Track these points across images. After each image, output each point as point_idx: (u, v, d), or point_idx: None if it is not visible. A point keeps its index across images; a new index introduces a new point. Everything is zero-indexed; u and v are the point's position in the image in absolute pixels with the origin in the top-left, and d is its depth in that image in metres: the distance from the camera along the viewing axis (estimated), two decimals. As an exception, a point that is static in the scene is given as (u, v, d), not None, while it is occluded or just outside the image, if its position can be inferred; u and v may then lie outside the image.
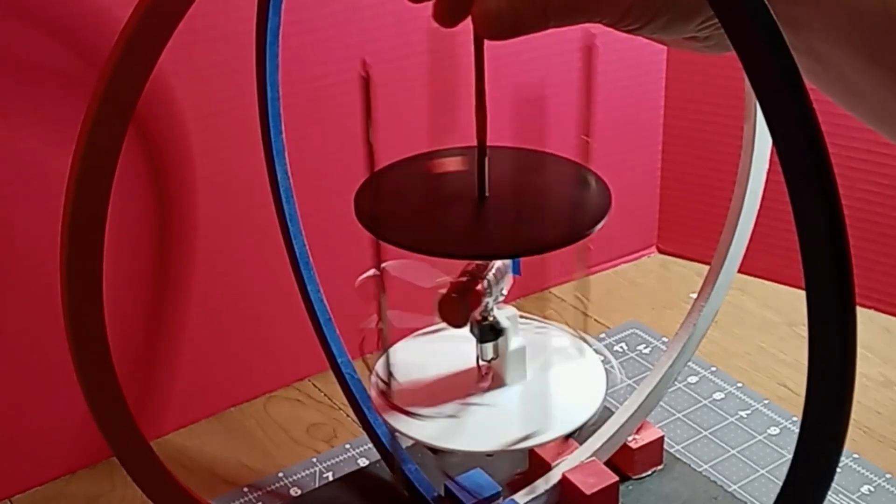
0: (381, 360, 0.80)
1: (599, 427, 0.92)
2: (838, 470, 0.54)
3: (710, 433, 1.01)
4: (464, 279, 0.74)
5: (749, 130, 0.82)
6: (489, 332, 0.78)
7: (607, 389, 0.79)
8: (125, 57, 0.59)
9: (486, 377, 0.80)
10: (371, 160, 0.70)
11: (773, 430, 1.01)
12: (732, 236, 0.86)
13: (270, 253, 0.97)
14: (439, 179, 0.75)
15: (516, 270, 0.78)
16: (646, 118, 1.26)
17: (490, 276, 0.75)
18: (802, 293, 0.51)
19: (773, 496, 0.58)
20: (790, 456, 0.57)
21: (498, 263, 0.76)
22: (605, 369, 0.81)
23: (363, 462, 0.99)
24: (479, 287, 0.74)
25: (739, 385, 1.08)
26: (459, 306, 0.73)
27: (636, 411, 0.91)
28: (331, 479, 0.97)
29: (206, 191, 0.99)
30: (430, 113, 1.05)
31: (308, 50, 0.98)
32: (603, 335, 1.17)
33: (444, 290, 0.74)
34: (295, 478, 0.98)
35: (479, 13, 0.57)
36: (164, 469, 0.73)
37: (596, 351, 0.82)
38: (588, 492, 0.86)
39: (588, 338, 0.83)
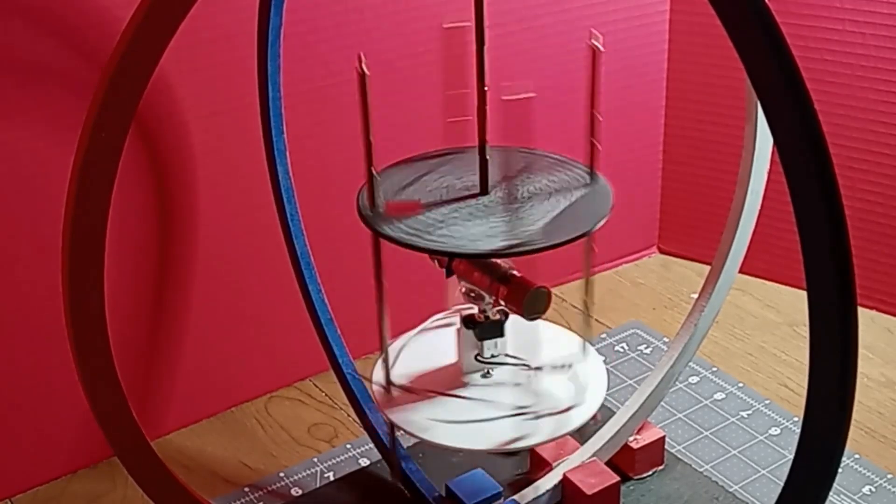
0: (380, 361, 0.80)
1: (600, 427, 0.92)
2: (839, 470, 0.54)
3: (711, 433, 1.01)
4: (515, 273, 0.74)
5: (750, 130, 0.82)
6: (491, 329, 0.78)
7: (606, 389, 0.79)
8: (127, 57, 0.59)
9: (489, 374, 0.80)
10: (369, 157, 0.70)
11: (775, 431, 1.01)
12: (733, 236, 0.86)
13: (271, 253, 0.97)
14: (441, 178, 0.75)
15: None
16: (646, 118, 1.26)
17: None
18: (803, 293, 0.51)
19: (775, 497, 0.58)
20: (791, 456, 0.57)
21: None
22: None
23: (364, 462, 0.99)
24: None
25: (740, 385, 1.08)
26: (546, 297, 0.73)
27: (637, 411, 0.91)
28: (332, 478, 0.97)
29: (208, 191, 0.99)
30: (431, 113, 1.05)
31: (309, 50, 0.98)
32: (604, 335, 1.17)
33: (516, 286, 0.73)
34: (296, 477, 0.98)
35: None
36: (166, 469, 0.73)
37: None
38: (589, 492, 0.86)
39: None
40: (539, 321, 0.78)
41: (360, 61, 0.66)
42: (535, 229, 0.69)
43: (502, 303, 0.75)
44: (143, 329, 1.00)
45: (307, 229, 0.91)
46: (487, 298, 0.76)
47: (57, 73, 0.87)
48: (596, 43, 0.68)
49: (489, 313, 0.78)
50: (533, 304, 0.73)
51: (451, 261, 0.75)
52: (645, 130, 1.27)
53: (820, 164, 0.48)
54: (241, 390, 1.08)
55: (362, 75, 0.66)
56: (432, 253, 0.69)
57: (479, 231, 0.70)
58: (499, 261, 0.75)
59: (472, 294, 0.77)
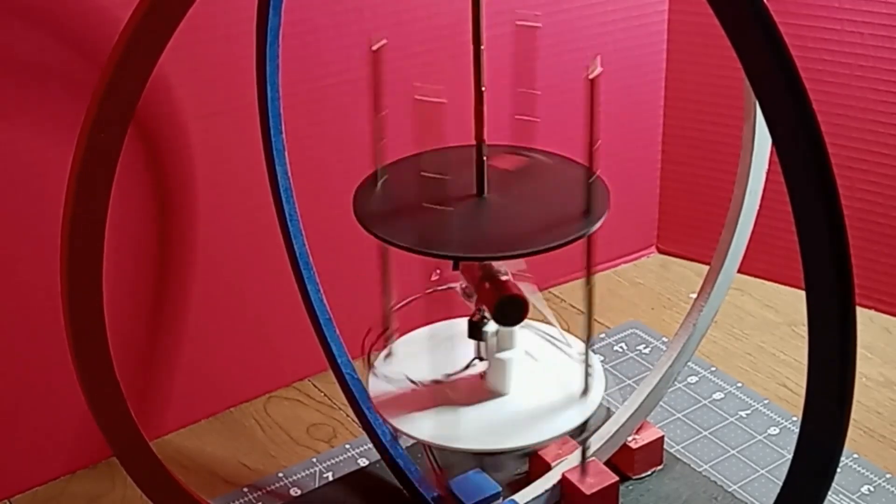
0: (381, 359, 0.80)
1: (599, 427, 0.92)
2: (838, 470, 0.54)
3: (709, 433, 1.01)
4: (504, 277, 0.74)
5: (749, 130, 0.82)
6: (474, 330, 0.78)
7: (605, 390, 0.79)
8: (126, 57, 0.59)
9: (486, 376, 0.80)
10: (378, 139, 0.70)
11: (773, 430, 1.01)
12: (732, 236, 0.86)
13: (270, 253, 0.97)
14: (439, 178, 0.75)
15: None
16: (645, 118, 1.26)
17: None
18: (802, 293, 0.51)
19: (773, 496, 0.59)
20: (790, 456, 0.57)
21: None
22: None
23: (363, 462, 0.99)
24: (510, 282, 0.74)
25: (739, 385, 1.08)
26: (523, 303, 0.73)
27: (636, 411, 0.91)
28: (331, 479, 0.97)
29: (207, 191, 0.99)
30: (428, 113, 1.04)
31: (308, 50, 0.98)
32: (603, 335, 1.17)
33: (488, 292, 0.73)
34: (295, 478, 0.98)
35: None
36: (164, 469, 0.73)
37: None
38: (588, 492, 0.86)
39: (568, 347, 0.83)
40: (541, 323, 0.78)
41: (372, 45, 0.65)
42: (530, 231, 0.69)
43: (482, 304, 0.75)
44: (142, 329, 1.00)
45: (306, 229, 0.91)
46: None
47: (56, 73, 0.87)
48: (594, 71, 0.68)
49: (482, 313, 0.78)
50: (503, 310, 0.72)
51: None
52: (644, 130, 1.27)
53: (819, 165, 0.48)
54: (240, 390, 1.08)
55: (374, 53, 0.65)
56: (423, 255, 0.69)
57: (474, 233, 0.69)
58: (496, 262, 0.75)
59: (468, 292, 0.77)
